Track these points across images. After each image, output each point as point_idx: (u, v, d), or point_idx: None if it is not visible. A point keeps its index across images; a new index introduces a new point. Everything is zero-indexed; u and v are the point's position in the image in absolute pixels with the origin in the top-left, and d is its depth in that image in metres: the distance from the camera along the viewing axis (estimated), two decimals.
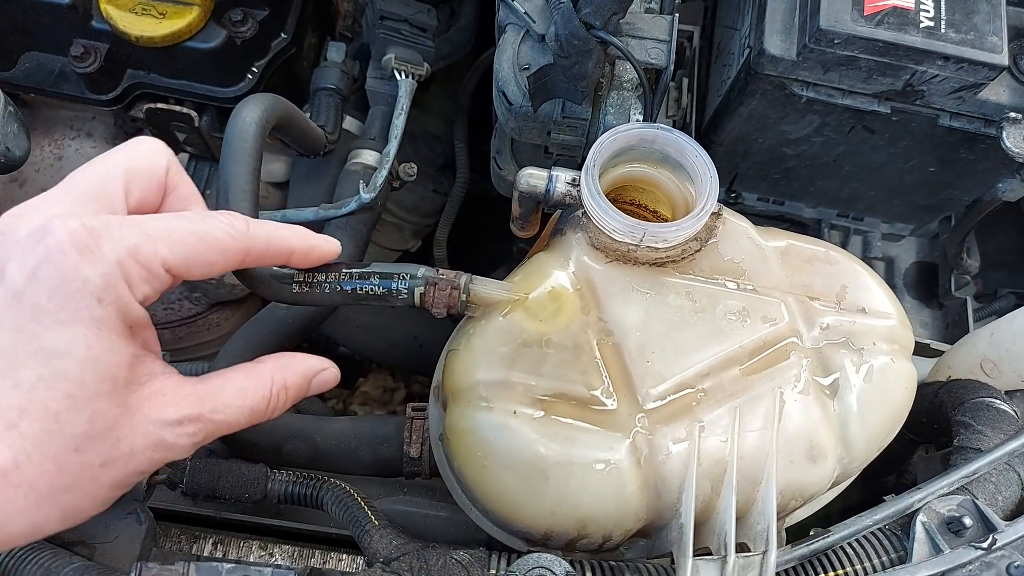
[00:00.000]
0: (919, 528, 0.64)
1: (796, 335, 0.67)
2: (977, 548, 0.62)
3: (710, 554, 0.61)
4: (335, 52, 1.11)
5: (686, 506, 0.61)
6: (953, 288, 1.07)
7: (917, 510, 0.65)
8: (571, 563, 0.60)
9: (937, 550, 0.63)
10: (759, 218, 1.04)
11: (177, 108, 1.06)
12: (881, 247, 1.08)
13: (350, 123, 1.13)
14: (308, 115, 1.02)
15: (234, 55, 1.02)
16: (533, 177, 0.70)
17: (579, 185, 0.68)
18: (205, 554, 0.71)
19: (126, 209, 0.53)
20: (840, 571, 0.63)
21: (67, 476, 0.47)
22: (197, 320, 1.21)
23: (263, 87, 1.07)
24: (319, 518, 0.77)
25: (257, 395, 0.56)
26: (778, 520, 0.63)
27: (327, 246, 0.61)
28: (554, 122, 0.81)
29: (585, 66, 0.73)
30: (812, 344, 0.68)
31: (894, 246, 1.12)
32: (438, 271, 0.64)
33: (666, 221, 0.73)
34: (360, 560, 0.73)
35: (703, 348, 0.65)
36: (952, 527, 0.64)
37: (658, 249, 0.67)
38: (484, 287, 0.65)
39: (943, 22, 0.75)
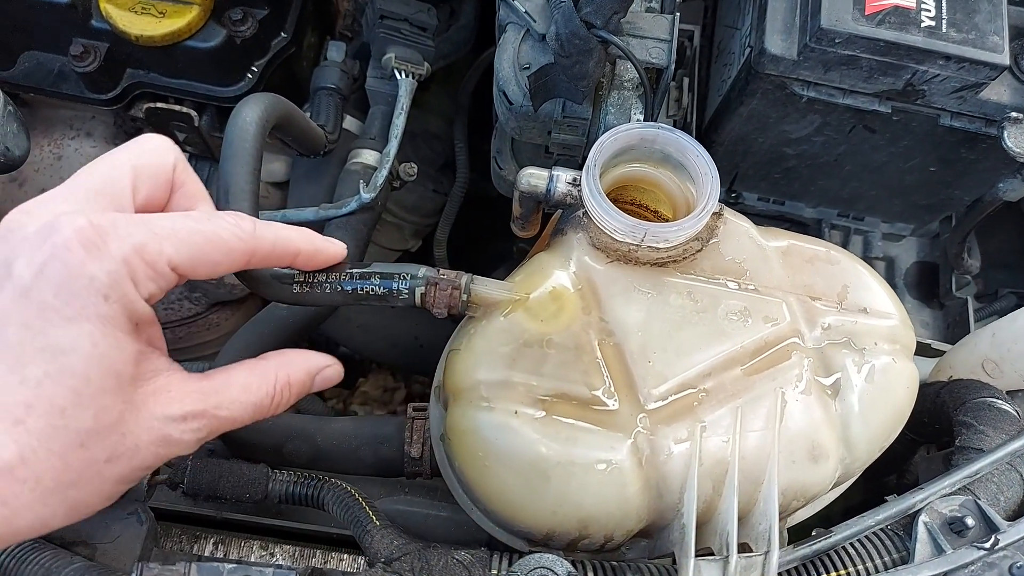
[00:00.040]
0: (921, 528, 0.64)
1: (798, 335, 0.67)
2: (979, 548, 0.62)
3: (712, 554, 0.61)
4: (335, 51, 1.11)
5: (688, 506, 0.61)
6: (954, 288, 1.07)
7: (919, 510, 0.65)
8: (573, 563, 0.60)
9: (939, 550, 0.63)
10: (759, 218, 1.04)
11: (177, 108, 1.06)
12: (882, 247, 1.08)
13: (350, 123, 1.13)
14: (308, 115, 1.02)
15: (234, 54, 1.02)
16: (534, 177, 0.70)
17: (580, 185, 0.68)
18: (206, 554, 0.71)
19: (133, 207, 0.53)
20: (842, 571, 0.63)
21: (72, 471, 0.48)
22: (197, 320, 1.21)
23: (263, 86, 1.06)
24: (320, 518, 0.76)
25: (261, 391, 0.56)
26: (780, 520, 0.63)
27: (333, 248, 0.61)
28: (555, 122, 0.81)
29: (586, 65, 0.73)
30: (814, 344, 0.68)
31: (895, 246, 1.12)
32: (439, 271, 0.64)
33: (667, 221, 0.73)
34: (361, 560, 0.73)
35: (705, 348, 0.65)
36: (954, 527, 0.63)
37: (659, 249, 0.67)
38: (485, 287, 0.65)
39: (944, 21, 0.75)
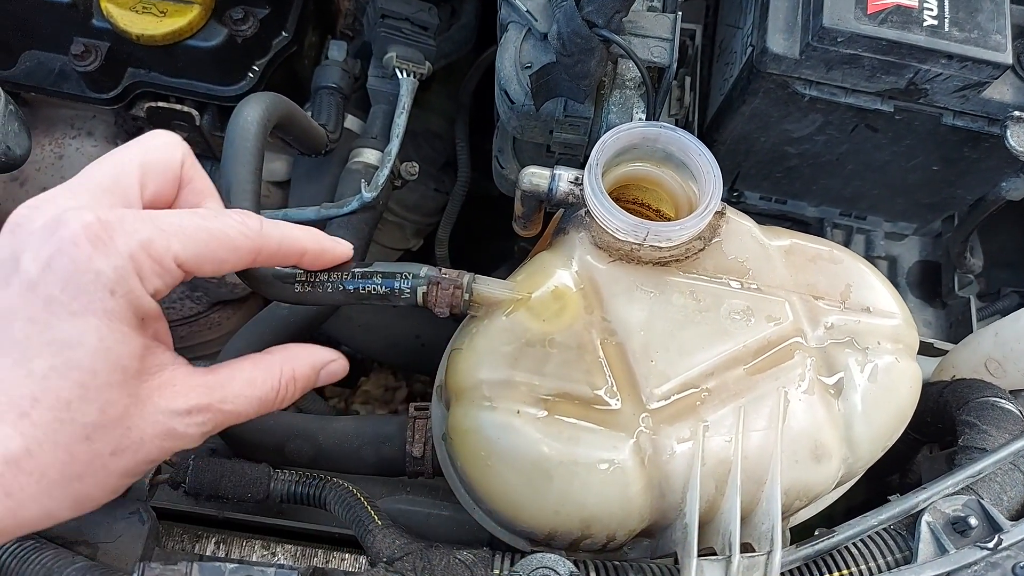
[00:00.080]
0: (924, 528, 0.64)
1: (800, 334, 0.67)
2: (982, 548, 0.62)
3: (714, 554, 0.61)
4: (336, 51, 1.11)
5: (690, 506, 0.61)
6: (956, 287, 1.06)
7: (922, 510, 0.64)
8: (575, 563, 0.60)
9: (942, 550, 0.63)
10: (761, 217, 1.03)
11: (178, 107, 1.06)
12: (884, 246, 1.07)
13: (351, 122, 1.13)
14: (309, 114, 1.02)
15: (235, 53, 1.02)
16: (536, 176, 0.70)
17: (582, 184, 0.68)
18: (208, 553, 0.71)
19: (141, 203, 0.53)
20: (845, 571, 0.63)
21: (78, 464, 0.48)
22: (199, 319, 1.20)
23: (264, 86, 1.06)
24: (322, 518, 0.76)
25: (266, 385, 0.56)
26: (782, 520, 0.63)
27: (340, 248, 0.61)
28: (556, 121, 0.81)
29: (588, 64, 0.73)
30: (816, 343, 0.67)
31: (897, 245, 1.12)
32: (441, 270, 0.64)
33: (669, 220, 0.73)
34: (363, 560, 0.73)
35: (707, 347, 0.65)
36: (957, 527, 0.63)
37: (662, 248, 0.67)
38: (487, 286, 0.65)
39: (947, 20, 0.75)
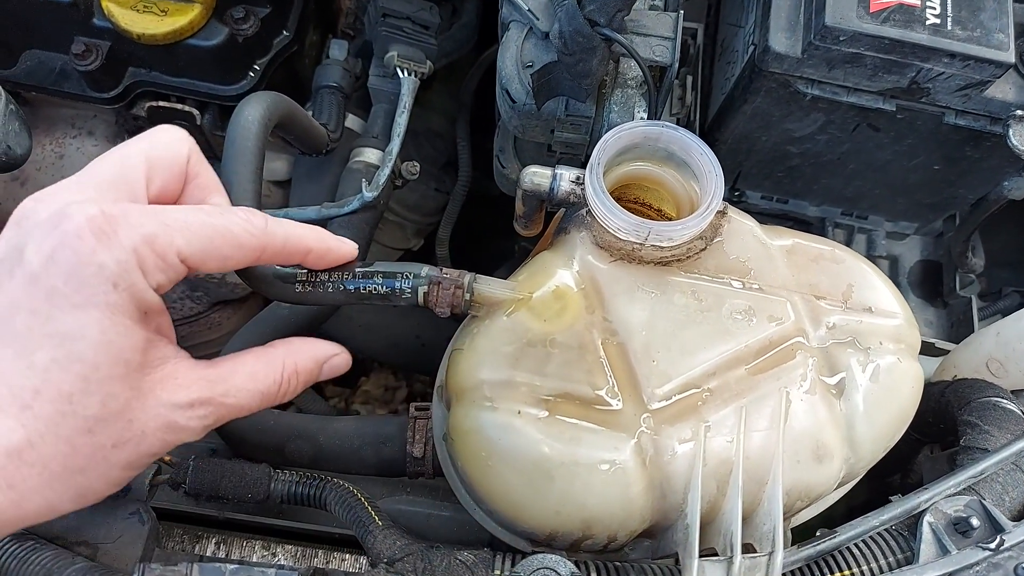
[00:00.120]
0: (926, 529, 0.63)
1: (802, 334, 0.67)
2: (984, 549, 0.62)
3: (716, 555, 0.61)
4: (337, 50, 1.11)
5: (692, 507, 0.61)
6: (958, 287, 1.06)
7: (924, 511, 0.64)
8: (576, 564, 0.60)
9: (944, 551, 0.62)
10: (762, 216, 1.03)
11: (179, 106, 1.06)
12: (885, 246, 1.07)
13: (352, 121, 1.13)
14: (310, 113, 1.02)
15: (236, 53, 1.02)
16: (537, 175, 0.70)
17: (583, 183, 0.68)
18: (208, 554, 0.71)
19: (147, 197, 0.54)
20: (847, 572, 0.63)
21: (80, 457, 0.48)
22: (199, 319, 1.20)
23: (265, 85, 1.06)
24: (322, 518, 0.76)
25: (268, 379, 0.57)
26: (784, 521, 0.63)
27: (344, 248, 0.61)
28: (558, 120, 0.81)
29: (589, 63, 0.73)
30: (818, 343, 0.67)
31: (898, 245, 1.12)
32: (442, 270, 0.63)
33: (671, 220, 0.73)
34: (363, 560, 0.72)
35: (709, 348, 0.65)
36: (959, 528, 0.63)
37: (663, 248, 0.67)
38: (488, 286, 0.64)
39: (949, 19, 0.75)
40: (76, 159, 1.12)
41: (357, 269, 0.62)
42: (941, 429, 0.80)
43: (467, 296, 0.63)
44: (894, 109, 0.82)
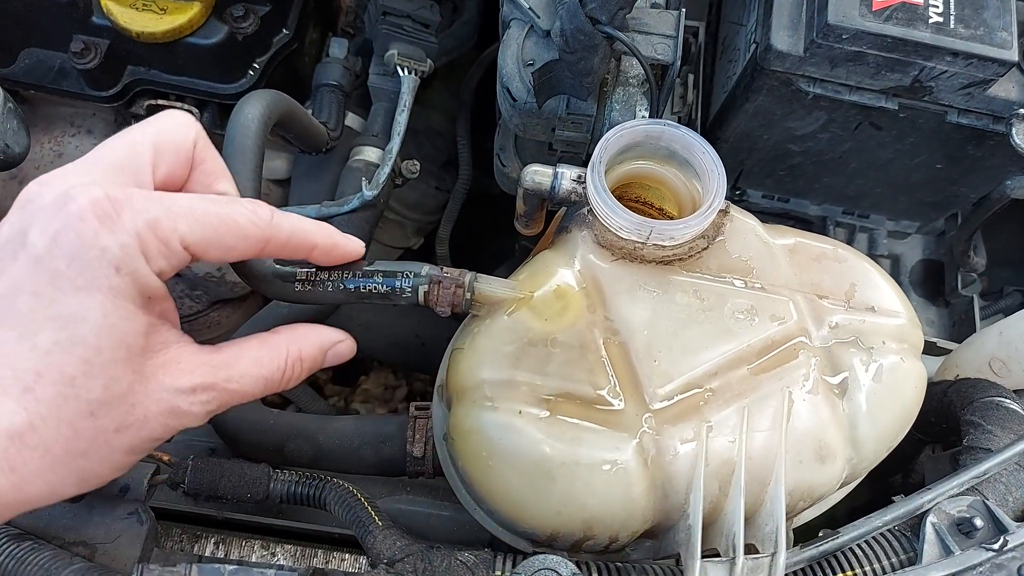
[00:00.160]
0: (929, 529, 0.63)
1: (805, 334, 0.67)
2: (988, 550, 0.61)
3: (718, 555, 0.61)
4: (337, 48, 1.11)
5: (694, 507, 0.61)
6: (960, 286, 1.06)
7: (927, 511, 0.64)
8: (577, 564, 0.59)
9: (947, 551, 0.62)
10: (764, 215, 1.03)
11: (178, 105, 1.05)
12: (887, 245, 1.07)
13: (352, 120, 1.12)
14: (310, 112, 1.02)
15: (235, 51, 1.01)
16: (538, 174, 0.69)
17: (584, 182, 0.67)
18: (207, 554, 0.71)
19: (152, 182, 0.53)
20: (849, 572, 0.62)
21: (82, 440, 0.48)
22: (198, 318, 1.20)
23: (265, 83, 1.06)
24: (322, 518, 0.76)
25: (272, 365, 0.56)
26: (786, 521, 0.62)
27: (351, 245, 0.61)
28: (559, 118, 0.81)
29: (591, 62, 0.72)
30: (821, 343, 0.67)
31: (900, 244, 1.11)
32: (442, 269, 0.63)
33: (673, 219, 0.72)
34: (363, 560, 0.72)
35: (711, 347, 0.65)
36: (962, 528, 0.63)
37: (665, 247, 0.67)
38: (489, 285, 0.64)
39: (952, 17, 0.74)
40: (75, 157, 1.08)
41: (357, 268, 0.62)
42: (943, 429, 0.80)
43: (468, 295, 0.63)
44: (896, 108, 0.82)
